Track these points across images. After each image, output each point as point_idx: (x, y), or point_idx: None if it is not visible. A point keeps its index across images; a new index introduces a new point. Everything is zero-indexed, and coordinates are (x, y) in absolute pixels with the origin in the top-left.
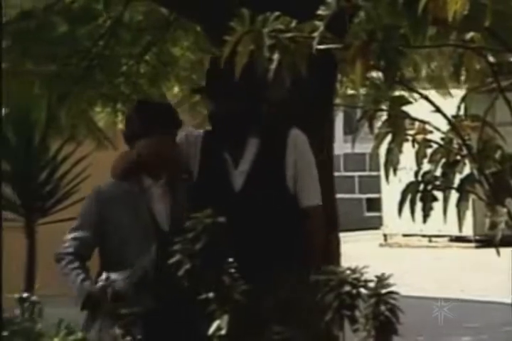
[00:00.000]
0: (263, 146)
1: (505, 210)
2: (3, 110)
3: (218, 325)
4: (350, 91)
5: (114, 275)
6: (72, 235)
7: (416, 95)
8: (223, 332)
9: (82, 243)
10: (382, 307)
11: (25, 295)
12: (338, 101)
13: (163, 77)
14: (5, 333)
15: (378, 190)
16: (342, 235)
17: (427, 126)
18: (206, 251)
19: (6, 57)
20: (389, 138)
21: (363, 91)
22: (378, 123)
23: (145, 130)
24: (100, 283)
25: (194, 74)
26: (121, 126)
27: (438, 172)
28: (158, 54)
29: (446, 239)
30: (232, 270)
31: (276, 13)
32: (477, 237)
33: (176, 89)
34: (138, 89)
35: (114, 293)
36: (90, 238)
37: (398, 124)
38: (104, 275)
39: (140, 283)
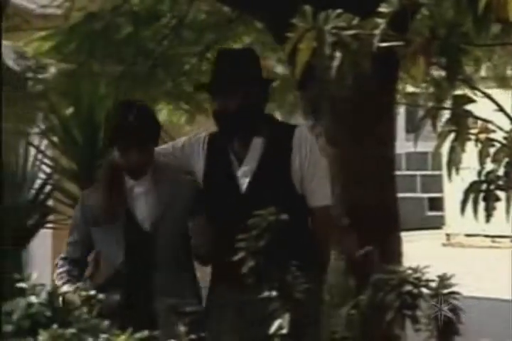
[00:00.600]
0: (268, 146)
1: None
2: (70, 110)
3: (280, 324)
4: (410, 89)
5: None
6: (68, 240)
7: (478, 93)
8: (284, 331)
9: (73, 247)
10: (445, 308)
11: (92, 292)
12: (399, 98)
13: None
14: (73, 330)
15: (440, 189)
16: (403, 234)
17: (490, 125)
18: (270, 248)
19: (73, 59)
20: (452, 136)
21: (423, 88)
22: (441, 122)
23: (117, 139)
24: (75, 286)
25: None
26: (181, 122)
27: (501, 172)
28: None
29: (509, 239)
30: (294, 268)
31: (338, 11)
32: None
33: None
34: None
35: (82, 295)
36: (80, 242)
37: (461, 123)
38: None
39: (108, 284)
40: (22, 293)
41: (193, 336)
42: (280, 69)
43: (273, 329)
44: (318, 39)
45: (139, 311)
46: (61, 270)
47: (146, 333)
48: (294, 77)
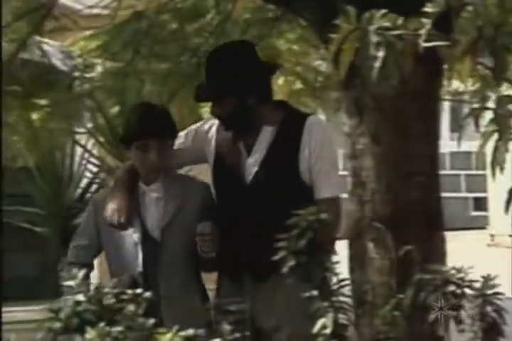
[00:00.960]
0: (278, 134)
1: None
2: (116, 109)
3: (323, 324)
4: (455, 85)
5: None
6: (73, 244)
7: None
8: (328, 330)
9: (80, 251)
10: (489, 309)
11: (139, 291)
12: (443, 94)
13: None
14: (120, 328)
15: (486, 189)
16: (448, 234)
17: None
18: (310, 248)
19: (119, 57)
20: (496, 136)
21: (469, 86)
22: (484, 122)
23: (135, 137)
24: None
25: (299, 66)
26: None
27: None
28: (263, 48)
29: None
30: (334, 267)
31: (383, 11)
32: None
33: (281, 81)
34: None
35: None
36: (88, 246)
37: (504, 123)
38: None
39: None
40: (70, 291)
41: (237, 335)
42: (324, 66)
43: (316, 328)
44: (363, 39)
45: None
46: None
47: (191, 331)
48: (338, 76)
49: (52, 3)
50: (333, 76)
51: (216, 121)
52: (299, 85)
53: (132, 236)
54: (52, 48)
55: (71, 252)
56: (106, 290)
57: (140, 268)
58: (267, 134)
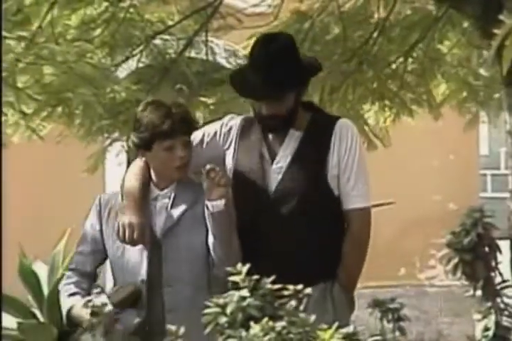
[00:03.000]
0: (304, 139)
1: None
2: None
3: (485, 325)
4: None
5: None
6: (77, 249)
7: None
8: (490, 332)
9: (83, 258)
10: None
11: (299, 287)
12: None
13: (430, 73)
14: (283, 323)
15: None
16: None
17: None
18: (475, 245)
19: None
20: None
21: None
22: None
23: (161, 137)
24: (85, 299)
25: (461, 71)
26: (387, 123)
27: None
28: (425, 51)
29: None
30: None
31: None
32: None
33: (444, 86)
34: (405, 86)
35: (93, 309)
36: (92, 252)
37: None
38: (95, 291)
39: (125, 301)
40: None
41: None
42: (484, 71)
43: (479, 330)
44: None
45: (154, 331)
46: (68, 281)
47: (351, 328)
48: (499, 75)
49: (219, 2)
50: (495, 75)
51: (237, 122)
52: (464, 93)
53: (144, 246)
54: (217, 46)
55: (74, 258)
56: (268, 286)
57: (144, 277)
58: (293, 138)
